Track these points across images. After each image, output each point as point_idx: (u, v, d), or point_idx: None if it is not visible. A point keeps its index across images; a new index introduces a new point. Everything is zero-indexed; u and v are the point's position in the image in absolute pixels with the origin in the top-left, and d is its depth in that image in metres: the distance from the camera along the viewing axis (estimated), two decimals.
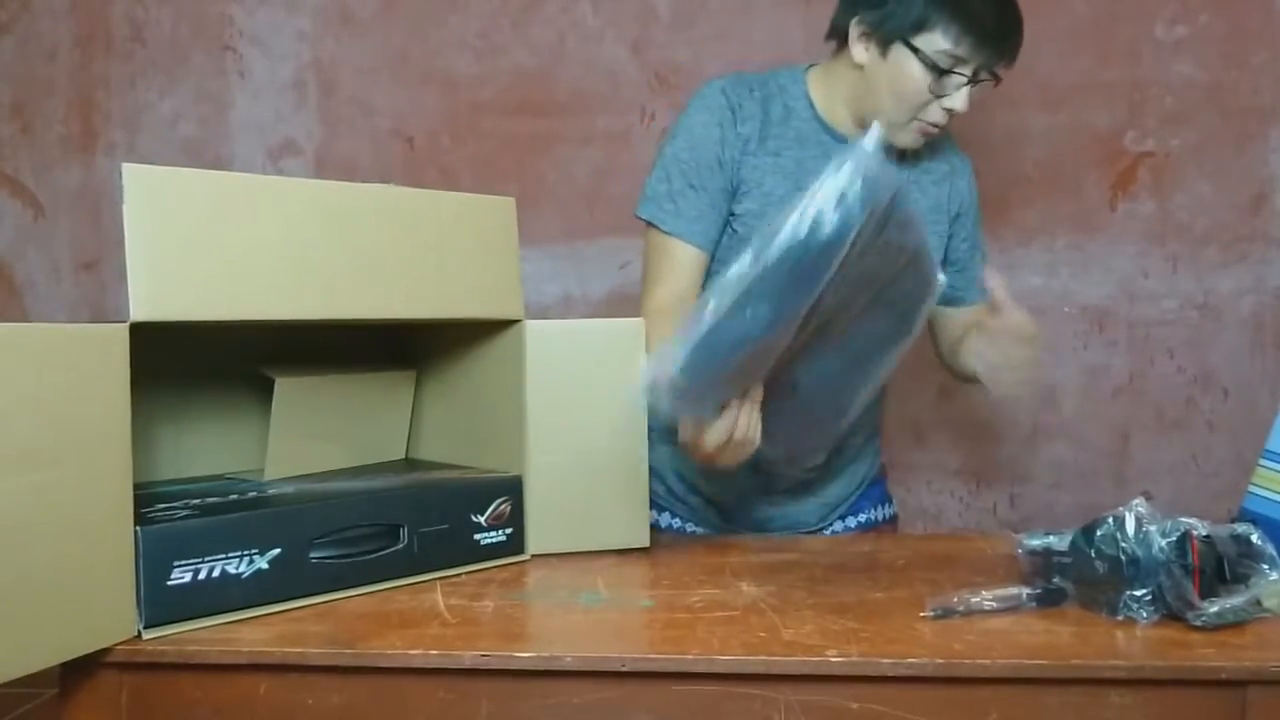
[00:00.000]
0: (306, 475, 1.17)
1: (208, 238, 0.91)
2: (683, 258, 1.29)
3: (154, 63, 2.16)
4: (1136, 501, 0.94)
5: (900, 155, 1.34)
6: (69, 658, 0.84)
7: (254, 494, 1.04)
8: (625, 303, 2.08)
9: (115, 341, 0.86)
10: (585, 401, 1.15)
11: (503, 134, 2.10)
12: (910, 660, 0.83)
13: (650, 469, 1.37)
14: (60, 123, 2.19)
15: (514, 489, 1.14)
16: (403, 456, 1.31)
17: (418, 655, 0.85)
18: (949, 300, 1.38)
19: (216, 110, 2.16)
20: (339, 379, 1.21)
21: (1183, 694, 0.83)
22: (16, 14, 2.18)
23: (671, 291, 1.28)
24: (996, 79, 1.25)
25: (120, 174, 0.87)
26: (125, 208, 0.87)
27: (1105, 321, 2.04)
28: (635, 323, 1.17)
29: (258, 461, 1.17)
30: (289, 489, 1.08)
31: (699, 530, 1.39)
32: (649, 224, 1.31)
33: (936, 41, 1.20)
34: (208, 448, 1.20)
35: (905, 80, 1.23)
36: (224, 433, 1.21)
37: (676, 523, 1.40)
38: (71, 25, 2.17)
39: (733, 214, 1.30)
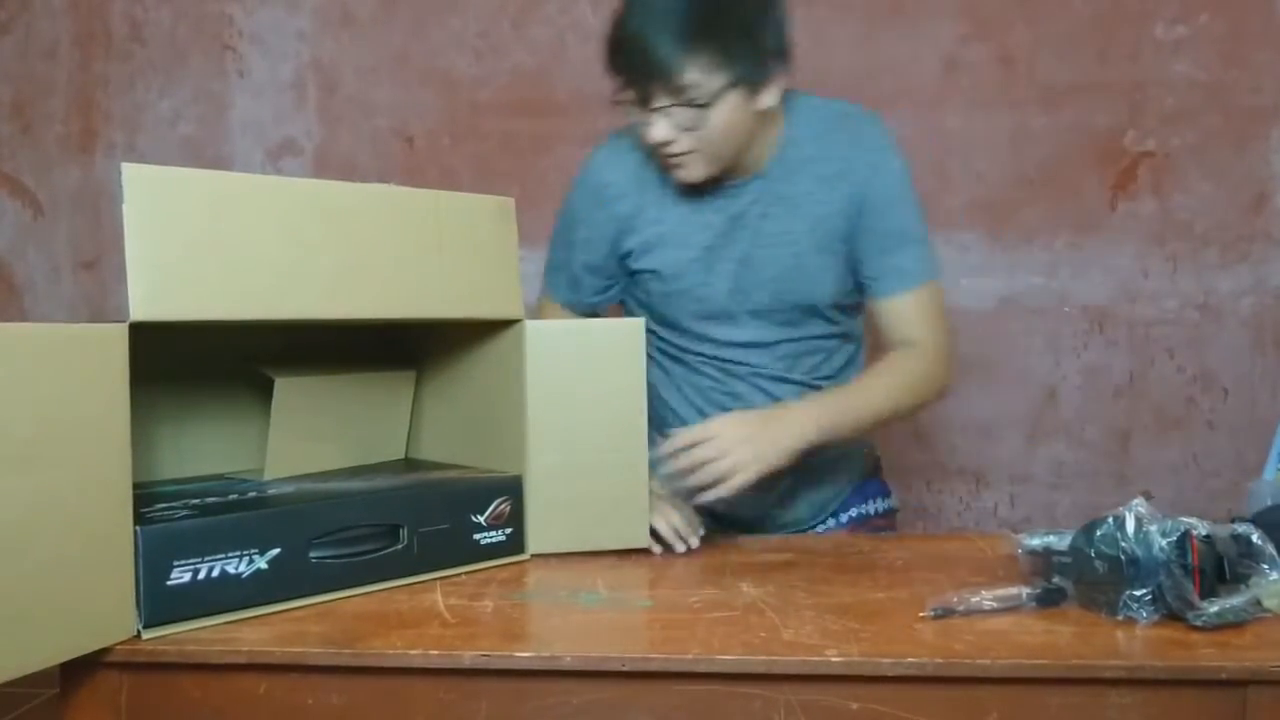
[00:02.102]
0: (307, 475, 1.17)
1: (208, 238, 0.91)
2: None
3: (154, 63, 2.16)
4: (1136, 501, 0.94)
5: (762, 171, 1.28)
6: (69, 658, 0.84)
7: (254, 494, 1.04)
8: None
9: (115, 341, 0.86)
10: (585, 401, 1.15)
11: (503, 134, 2.10)
12: (910, 660, 0.83)
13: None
14: (60, 123, 2.19)
15: (514, 489, 1.14)
16: (403, 456, 1.31)
17: (418, 655, 0.85)
18: (870, 292, 1.31)
19: (216, 110, 2.16)
20: (339, 379, 1.21)
21: (1183, 694, 0.83)
22: (16, 14, 2.18)
23: None
24: (682, 103, 1.16)
25: (120, 174, 0.87)
26: (125, 207, 0.87)
27: (1105, 321, 2.04)
28: (636, 323, 1.17)
29: (258, 461, 1.17)
30: (289, 489, 1.08)
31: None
32: None
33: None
34: (208, 448, 1.20)
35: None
36: (224, 433, 1.21)
37: None
38: (71, 25, 2.17)
39: None
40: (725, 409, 1.28)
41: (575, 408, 1.15)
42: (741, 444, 1.14)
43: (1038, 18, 2.01)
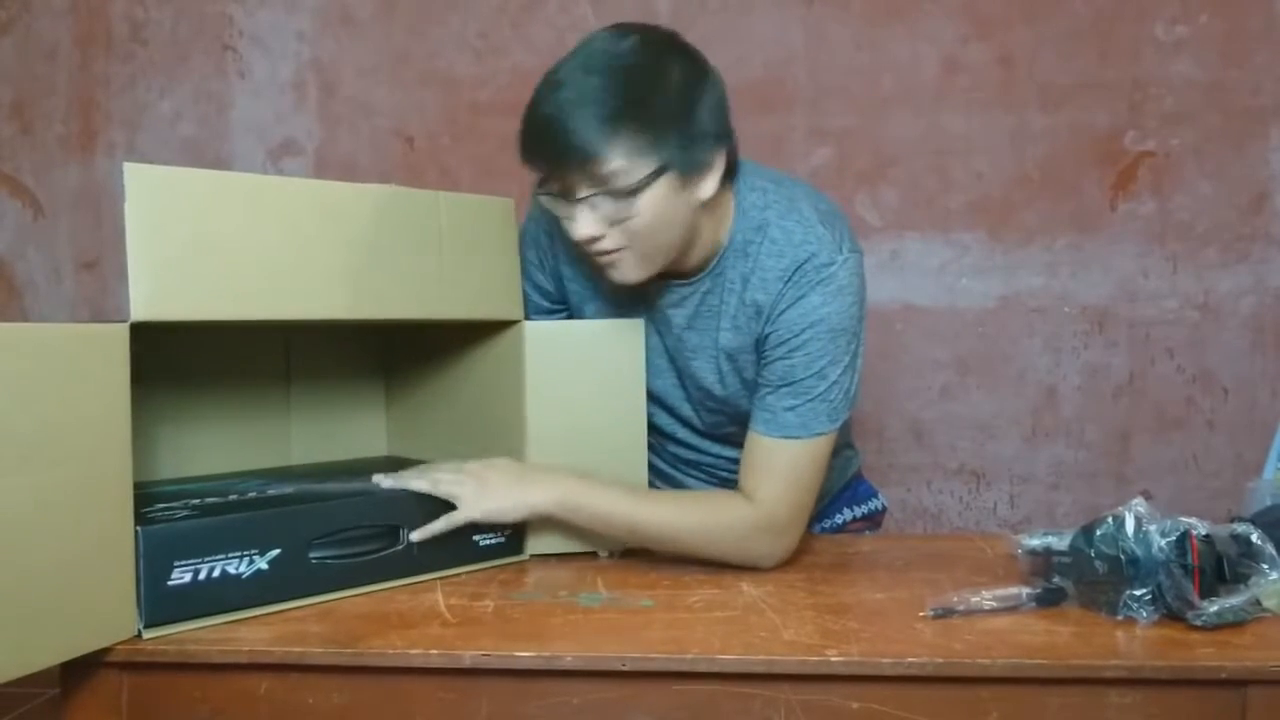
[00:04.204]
0: (306, 475, 1.17)
1: (208, 238, 0.91)
2: None
3: (154, 63, 2.16)
4: (1136, 501, 0.95)
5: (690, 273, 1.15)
6: (69, 658, 0.84)
7: (254, 494, 1.04)
8: None
9: (115, 341, 0.86)
10: (585, 401, 1.15)
11: (503, 134, 2.07)
12: (910, 660, 0.83)
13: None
14: (60, 123, 2.19)
15: None
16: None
17: (418, 655, 0.85)
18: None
19: (216, 110, 2.16)
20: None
21: (1183, 694, 0.83)
22: (16, 14, 2.18)
23: None
24: (605, 191, 1.03)
25: (120, 174, 0.87)
26: (126, 207, 0.87)
27: (1105, 321, 2.04)
28: (636, 323, 1.17)
29: (258, 461, 1.17)
30: (289, 489, 1.08)
31: None
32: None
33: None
34: (208, 448, 1.20)
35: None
36: (224, 433, 1.21)
37: None
38: (71, 25, 2.17)
39: None
40: None
41: (575, 408, 1.15)
42: (474, 489, 1.08)
43: (1038, 18, 2.01)
